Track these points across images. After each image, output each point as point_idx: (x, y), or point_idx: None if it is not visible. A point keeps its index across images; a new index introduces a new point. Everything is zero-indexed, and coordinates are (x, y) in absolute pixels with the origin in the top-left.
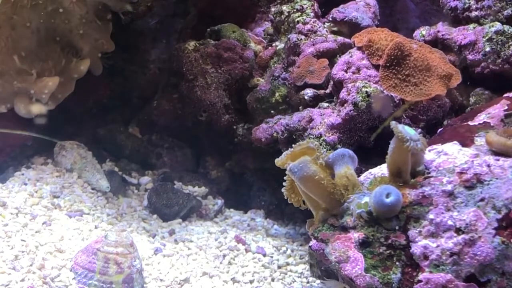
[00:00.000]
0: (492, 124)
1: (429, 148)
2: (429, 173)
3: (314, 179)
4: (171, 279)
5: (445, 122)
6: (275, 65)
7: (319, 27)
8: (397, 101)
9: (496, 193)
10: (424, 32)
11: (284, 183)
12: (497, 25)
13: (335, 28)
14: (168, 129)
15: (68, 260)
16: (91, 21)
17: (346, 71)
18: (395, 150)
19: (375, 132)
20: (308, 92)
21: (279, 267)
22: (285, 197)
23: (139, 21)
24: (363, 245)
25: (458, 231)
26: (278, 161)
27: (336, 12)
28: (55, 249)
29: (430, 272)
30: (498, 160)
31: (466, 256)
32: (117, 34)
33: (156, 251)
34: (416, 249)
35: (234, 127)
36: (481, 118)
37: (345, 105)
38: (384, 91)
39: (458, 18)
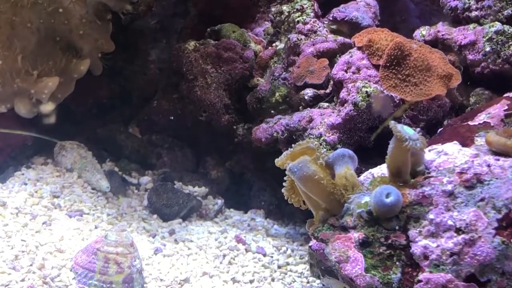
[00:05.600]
0: (492, 124)
1: (429, 148)
2: (429, 173)
3: (313, 179)
4: (171, 279)
5: (445, 122)
6: (275, 65)
7: (319, 27)
8: (397, 101)
9: (496, 193)
10: (424, 32)
11: (284, 183)
12: (497, 25)
13: (334, 26)
14: (168, 129)
15: (68, 260)
16: (91, 21)
17: (346, 71)
18: (394, 150)
19: (375, 132)
20: (308, 92)
21: (279, 267)
22: (285, 197)
23: (139, 21)
24: (363, 245)
25: (458, 231)
26: (278, 161)
27: (337, 12)
28: (55, 249)
29: (430, 272)
30: (498, 160)
31: (466, 256)
32: (117, 34)
33: (156, 251)
34: (416, 249)
35: (234, 127)
36: (481, 118)
37: (345, 105)
38: (384, 91)
39: (458, 18)
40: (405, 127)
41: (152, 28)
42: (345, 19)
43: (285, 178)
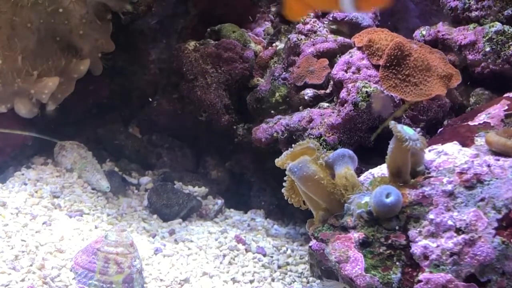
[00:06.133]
0: (492, 124)
1: (429, 148)
2: (429, 173)
3: (313, 179)
4: (171, 279)
5: (445, 122)
6: (275, 65)
7: (319, 27)
8: (397, 101)
9: (496, 193)
10: (424, 32)
11: (284, 183)
12: (497, 25)
13: (334, 27)
14: (168, 129)
15: (68, 260)
16: (91, 21)
17: (346, 71)
18: (394, 150)
19: (375, 132)
20: (308, 92)
21: (279, 267)
22: (285, 197)
23: (139, 21)
24: (363, 245)
25: (458, 231)
26: (278, 161)
27: (337, 12)
28: (55, 249)
29: (430, 272)
30: (498, 160)
31: (466, 256)
32: (117, 34)
33: (156, 251)
34: (416, 249)
35: (234, 127)
36: (481, 118)
37: (345, 105)
38: (384, 91)
39: (458, 18)
40: (405, 127)
41: (152, 28)
42: (345, 19)
43: (285, 178)
